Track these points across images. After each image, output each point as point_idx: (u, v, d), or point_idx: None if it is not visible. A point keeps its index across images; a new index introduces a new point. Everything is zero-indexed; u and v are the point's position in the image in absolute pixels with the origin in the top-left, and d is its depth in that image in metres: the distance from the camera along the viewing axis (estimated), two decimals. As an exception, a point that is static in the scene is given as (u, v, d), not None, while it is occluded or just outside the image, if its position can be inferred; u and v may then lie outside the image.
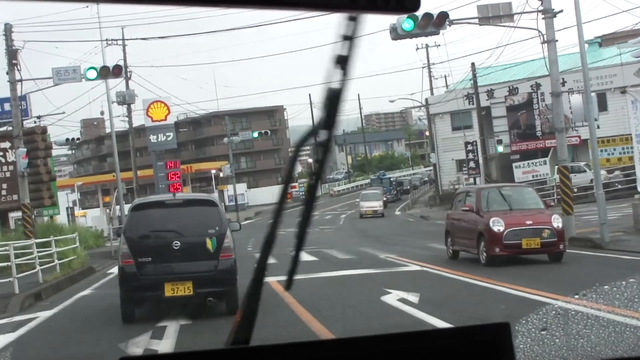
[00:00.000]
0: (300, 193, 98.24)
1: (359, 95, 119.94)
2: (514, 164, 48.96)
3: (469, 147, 50.41)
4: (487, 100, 66.09)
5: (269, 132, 70.07)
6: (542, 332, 4.28)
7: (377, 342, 2.03)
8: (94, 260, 31.34)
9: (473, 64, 49.74)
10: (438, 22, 25.78)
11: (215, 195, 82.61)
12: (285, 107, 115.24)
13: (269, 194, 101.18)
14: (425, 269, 20.67)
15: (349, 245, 32.42)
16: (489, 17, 27.47)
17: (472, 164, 50.57)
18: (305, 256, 27.75)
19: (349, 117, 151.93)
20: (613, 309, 5.07)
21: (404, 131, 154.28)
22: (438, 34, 26.77)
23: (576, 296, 5.66)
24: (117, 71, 34.39)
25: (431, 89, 71.78)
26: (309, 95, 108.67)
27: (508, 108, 49.93)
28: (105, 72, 34.03)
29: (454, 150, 68.49)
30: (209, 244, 14.58)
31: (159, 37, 75.28)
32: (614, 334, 4.19)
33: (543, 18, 27.44)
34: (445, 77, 76.83)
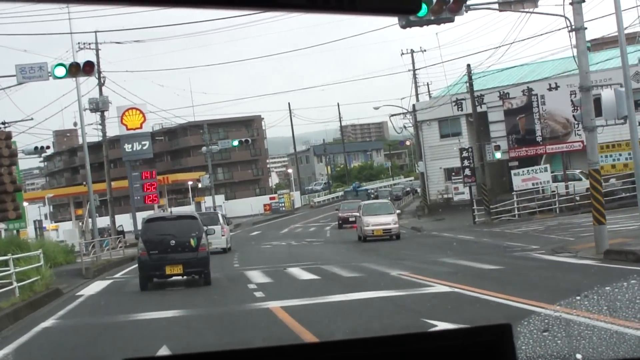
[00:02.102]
0: (280, 204, 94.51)
1: (338, 104, 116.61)
2: (512, 171, 45.56)
3: (464, 154, 46.96)
4: (476, 106, 62.97)
5: (250, 140, 66.28)
6: (544, 334, 4.20)
7: (379, 344, 1.99)
8: (62, 279, 27.49)
9: (469, 65, 46.39)
10: (455, 6, 22.24)
11: (192, 209, 78.84)
12: (263, 116, 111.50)
13: (247, 205, 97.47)
14: (456, 289, 17.06)
15: (348, 261, 28.81)
16: (511, 1, 24.08)
17: (467, 172, 47.06)
18: (303, 274, 24.10)
19: (327, 127, 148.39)
20: (613, 315, 4.99)
21: (383, 141, 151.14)
22: (453, 20, 23.19)
23: (577, 297, 5.44)
24: (88, 68, 30.61)
25: (417, 95, 68.49)
26: (288, 104, 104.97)
27: (506, 112, 46.60)
28: (75, 70, 30.27)
29: (442, 159, 65.21)
30: (192, 242, 22.28)
31: (134, 41, 71.37)
32: (616, 335, 4.19)
33: (570, 3, 24.10)
34: (427, 84, 72.89)
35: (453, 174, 64.16)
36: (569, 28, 24.22)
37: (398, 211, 42.50)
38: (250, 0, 1.72)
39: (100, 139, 61.02)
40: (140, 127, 61.81)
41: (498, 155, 45.99)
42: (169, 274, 22.28)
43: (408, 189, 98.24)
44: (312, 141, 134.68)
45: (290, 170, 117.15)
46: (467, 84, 46.80)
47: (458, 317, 12.71)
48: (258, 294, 19.05)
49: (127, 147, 61.77)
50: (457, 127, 64.65)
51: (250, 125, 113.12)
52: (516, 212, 46.11)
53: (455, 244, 34.43)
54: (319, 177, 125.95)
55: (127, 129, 61.64)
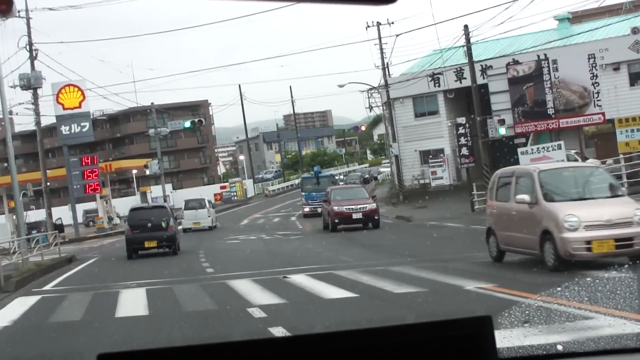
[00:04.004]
0: (232, 194, 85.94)
1: (290, 87, 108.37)
2: (519, 150, 37.77)
3: (461, 130, 39.06)
4: (455, 81, 55.37)
5: (203, 120, 57.64)
6: (525, 325, 4.06)
7: (359, 337, 1.94)
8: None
9: (466, 26, 38.39)
10: None
11: (137, 199, 70.02)
12: (210, 101, 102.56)
13: (195, 195, 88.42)
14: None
15: (362, 262, 20.74)
16: None
17: (464, 151, 39.18)
18: (322, 286, 15.95)
19: (275, 116, 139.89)
20: (594, 305, 4.61)
21: (332, 128, 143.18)
22: None
23: (559, 288, 5.00)
24: (4, 7, 21.91)
25: (384, 69, 60.30)
26: (239, 86, 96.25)
27: (510, 80, 38.77)
28: (-14, 9, 21.60)
29: (417, 140, 57.54)
30: (163, 224, 29.36)
31: (68, 6, 61.94)
32: (596, 326, 4.06)
33: None
34: (387, 65, 63.83)
35: (430, 156, 56.64)
36: None
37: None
38: None
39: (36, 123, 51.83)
40: (79, 107, 52.79)
41: (502, 130, 38.15)
42: (147, 247, 29.21)
43: (367, 175, 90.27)
44: (261, 128, 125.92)
45: (242, 157, 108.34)
46: (465, 49, 38.77)
47: None
48: (280, 334, 10.81)
49: (64, 129, 52.75)
50: (433, 105, 57.03)
51: (196, 110, 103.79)
52: (523, 197, 38.39)
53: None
54: (269, 165, 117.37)
55: (64, 109, 52.59)
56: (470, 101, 54.95)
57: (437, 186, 54.54)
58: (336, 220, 34.88)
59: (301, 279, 17.62)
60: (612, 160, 40.95)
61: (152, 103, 61.90)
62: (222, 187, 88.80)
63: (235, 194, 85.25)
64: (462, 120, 39.04)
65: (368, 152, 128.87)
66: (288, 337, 1.97)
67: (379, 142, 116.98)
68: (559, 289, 5.42)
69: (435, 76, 55.23)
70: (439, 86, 55.55)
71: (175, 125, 57.58)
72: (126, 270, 24.98)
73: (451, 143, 57.03)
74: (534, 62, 39.33)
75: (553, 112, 37.89)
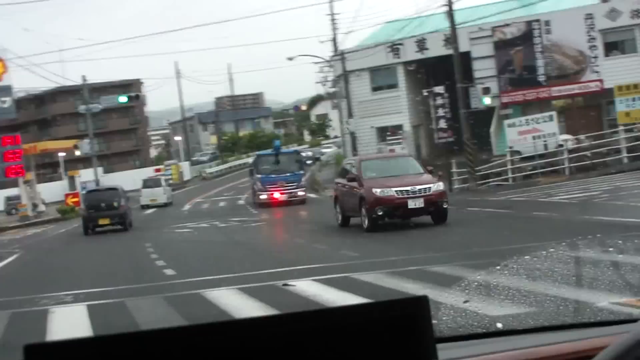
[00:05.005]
0: (167, 177, 79.72)
1: (229, 64, 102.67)
2: (506, 122, 32.97)
3: (439, 100, 33.94)
4: (416, 52, 50.43)
5: (139, 95, 51.65)
6: (465, 303, 3.91)
7: (287, 321, 1.78)
8: None
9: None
10: None
11: (65, 184, 63.78)
12: (143, 80, 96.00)
13: (128, 179, 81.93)
14: None
15: (377, 258, 15.49)
16: None
17: (442, 124, 34.09)
18: (355, 302, 10.38)
19: (210, 94, 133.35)
20: (533, 282, 4.34)
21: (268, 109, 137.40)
22: None
23: (497, 267, 4.65)
24: None
25: (334, 41, 54.99)
26: (175, 63, 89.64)
27: (496, 44, 33.81)
28: None
29: (374, 116, 52.46)
30: (115, 204, 32.54)
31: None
32: (535, 303, 3.92)
33: None
34: (334, 38, 58.21)
35: (388, 133, 51.74)
36: None
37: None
38: None
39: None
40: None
41: (487, 100, 33.19)
42: (101, 224, 32.38)
43: (309, 153, 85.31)
44: (195, 110, 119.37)
45: (177, 138, 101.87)
46: (447, 9, 33.48)
47: None
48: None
49: (-18, 105, 46.11)
50: (392, 78, 52.01)
51: (128, 89, 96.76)
52: (510, 175, 33.71)
53: (495, 220, 21.69)
54: (205, 147, 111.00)
55: (-19, 82, 45.91)
56: (431, 74, 50.17)
57: (395, 165, 49.66)
58: (379, 212, 20.87)
59: (313, 289, 12.26)
60: (584, 136, 36.68)
61: (84, 76, 55.21)
62: (156, 170, 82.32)
63: (170, 177, 79.11)
64: (440, 89, 33.86)
65: (305, 133, 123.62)
66: (226, 321, 1.69)
67: (317, 122, 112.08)
68: (498, 267, 4.61)
69: (394, 47, 50.19)
70: (399, 57, 50.55)
71: (108, 100, 51.31)
72: (57, 272, 19.30)
73: (411, 118, 52.26)
74: (523, 23, 34.41)
75: (545, 79, 33.05)
